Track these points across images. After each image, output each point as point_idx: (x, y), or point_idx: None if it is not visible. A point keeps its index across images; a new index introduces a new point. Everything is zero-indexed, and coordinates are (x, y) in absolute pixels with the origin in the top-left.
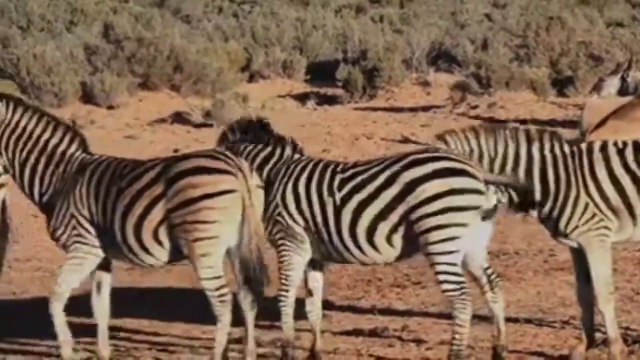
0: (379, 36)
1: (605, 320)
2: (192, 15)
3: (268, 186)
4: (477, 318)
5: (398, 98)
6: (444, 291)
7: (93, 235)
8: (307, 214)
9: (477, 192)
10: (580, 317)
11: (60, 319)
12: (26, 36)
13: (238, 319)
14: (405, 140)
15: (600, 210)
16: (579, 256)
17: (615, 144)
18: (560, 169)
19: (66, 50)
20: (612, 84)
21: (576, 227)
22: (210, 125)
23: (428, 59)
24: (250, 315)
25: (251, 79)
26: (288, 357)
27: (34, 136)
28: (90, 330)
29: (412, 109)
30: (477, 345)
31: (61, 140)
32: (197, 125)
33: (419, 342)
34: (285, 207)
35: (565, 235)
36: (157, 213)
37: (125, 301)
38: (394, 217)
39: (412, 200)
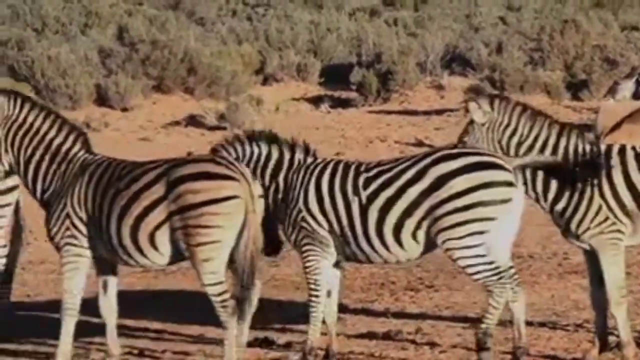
0: (393, 39)
1: (617, 323)
2: (206, 18)
3: (286, 192)
4: None
5: (412, 101)
6: (478, 280)
7: (86, 236)
8: (332, 216)
9: (508, 184)
10: (593, 321)
11: (67, 332)
12: (41, 39)
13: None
14: (419, 144)
15: (614, 214)
16: (593, 259)
17: (634, 148)
18: (578, 167)
19: (81, 53)
20: (627, 88)
21: (587, 229)
22: (224, 128)
23: (442, 63)
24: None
25: (265, 82)
26: None
27: (40, 134)
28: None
29: (426, 112)
30: (490, 348)
31: (66, 139)
32: (211, 128)
33: (432, 345)
34: (309, 210)
35: (577, 237)
36: (156, 215)
37: (139, 303)
38: (420, 213)
39: (441, 194)
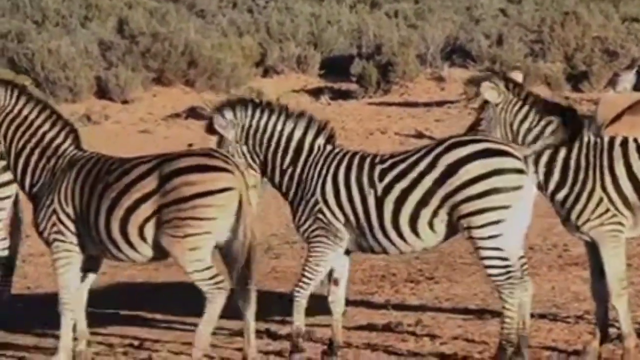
0: (393, 31)
1: (618, 315)
2: (206, 10)
3: (303, 180)
4: (489, 314)
5: (412, 93)
6: (490, 275)
7: (73, 232)
8: (348, 208)
9: (520, 171)
10: (594, 312)
11: (67, 326)
12: (41, 31)
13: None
14: (420, 135)
15: (616, 207)
16: (594, 251)
17: (636, 140)
18: (582, 158)
19: (81, 46)
20: (628, 79)
21: (587, 220)
22: None
23: (442, 54)
24: (250, 313)
25: (265, 74)
26: (298, 349)
27: (34, 127)
28: (105, 322)
29: (427, 104)
30: (491, 340)
31: (58, 134)
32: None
33: (432, 337)
34: (326, 202)
35: (576, 227)
36: (147, 208)
37: (140, 295)
38: (435, 201)
39: (454, 182)
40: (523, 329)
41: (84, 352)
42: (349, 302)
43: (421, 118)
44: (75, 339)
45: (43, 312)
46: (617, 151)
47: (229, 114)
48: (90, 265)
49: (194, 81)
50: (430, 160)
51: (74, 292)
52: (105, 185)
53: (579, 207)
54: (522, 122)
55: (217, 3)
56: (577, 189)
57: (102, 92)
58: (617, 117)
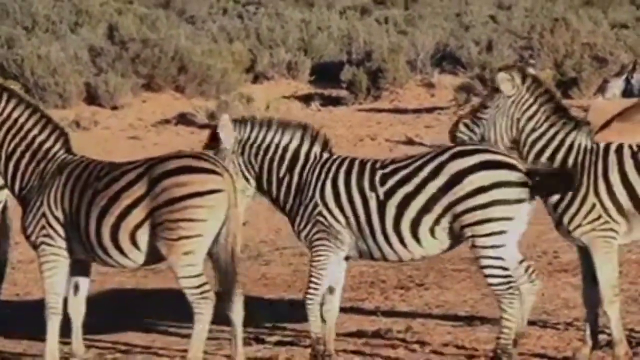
0: (383, 37)
1: (610, 322)
2: (196, 17)
3: (301, 186)
4: (479, 320)
5: (402, 99)
6: (490, 285)
7: (62, 237)
8: (349, 212)
9: (523, 184)
10: (584, 319)
11: (53, 331)
12: (31, 37)
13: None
14: (410, 142)
15: (609, 213)
16: (586, 256)
17: (631, 147)
18: (578, 162)
19: (70, 51)
20: (617, 86)
21: (579, 225)
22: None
23: (432, 61)
24: (237, 319)
25: (255, 80)
26: (318, 355)
27: (24, 130)
28: (94, 328)
29: (417, 111)
30: (481, 347)
31: (48, 137)
32: (202, 127)
33: (422, 343)
34: (326, 205)
35: (568, 232)
36: (138, 214)
37: (130, 302)
38: (438, 209)
39: (458, 191)
40: (519, 327)
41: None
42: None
43: (411, 124)
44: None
45: (32, 319)
46: (612, 157)
47: (225, 123)
48: (79, 272)
49: (184, 87)
50: (434, 167)
51: (60, 296)
52: (96, 190)
53: (571, 211)
54: (528, 120)
55: (208, 9)
56: (570, 193)
57: (92, 98)
58: (607, 124)
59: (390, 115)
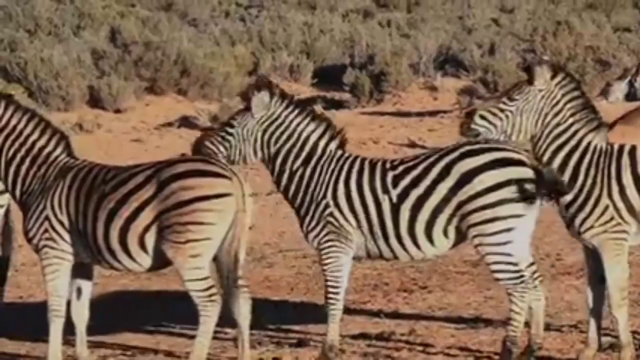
0: (386, 40)
1: (618, 324)
2: (199, 19)
3: (313, 182)
4: (483, 322)
5: (405, 102)
6: (499, 280)
7: (66, 240)
8: (361, 213)
9: (533, 181)
10: (588, 321)
11: (56, 334)
12: (33, 40)
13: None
14: (412, 145)
15: (621, 215)
16: (592, 257)
17: None
18: (592, 164)
19: (73, 55)
20: (620, 89)
21: (591, 227)
22: None
23: (435, 64)
24: (244, 322)
25: None
26: None
27: (23, 136)
28: (97, 331)
29: (419, 114)
30: (484, 349)
31: (48, 142)
32: (204, 130)
33: (426, 346)
34: (337, 206)
35: (579, 233)
36: (147, 216)
37: (133, 305)
38: (450, 209)
39: (468, 191)
40: (537, 335)
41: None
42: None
43: (414, 127)
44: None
45: (35, 321)
46: (625, 159)
47: (266, 97)
48: (82, 275)
49: (187, 90)
50: (443, 167)
51: (64, 299)
52: (103, 193)
53: (584, 213)
54: (555, 115)
55: (210, 12)
56: (584, 194)
57: (95, 101)
58: (610, 127)
59: (393, 118)
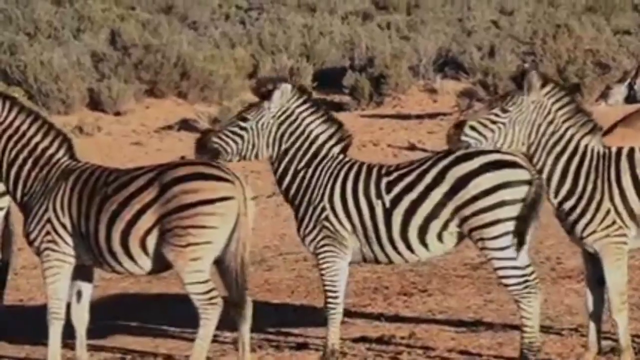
0: (385, 43)
1: (618, 329)
2: (199, 22)
3: (312, 184)
4: (483, 326)
5: (405, 105)
6: (506, 286)
7: (68, 243)
8: (355, 218)
9: (529, 182)
10: (587, 324)
11: (55, 336)
12: (33, 43)
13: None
14: (412, 147)
15: (621, 218)
16: (591, 261)
17: None
18: (592, 168)
19: (73, 57)
20: (620, 92)
21: (594, 231)
22: None
23: (435, 66)
24: (245, 325)
25: None
26: None
27: (26, 137)
28: (98, 334)
29: (419, 116)
30: (484, 353)
31: (51, 144)
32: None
33: (426, 349)
34: (333, 210)
35: (581, 238)
36: (148, 220)
37: (134, 307)
38: (445, 214)
39: (464, 195)
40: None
41: None
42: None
43: (414, 130)
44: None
45: (35, 324)
46: (624, 162)
47: (289, 89)
48: (82, 278)
49: (187, 93)
50: (437, 172)
51: (63, 301)
52: (105, 196)
53: (586, 218)
54: (549, 124)
55: (210, 15)
56: (585, 199)
57: (95, 103)
58: (610, 130)
59: (392, 121)
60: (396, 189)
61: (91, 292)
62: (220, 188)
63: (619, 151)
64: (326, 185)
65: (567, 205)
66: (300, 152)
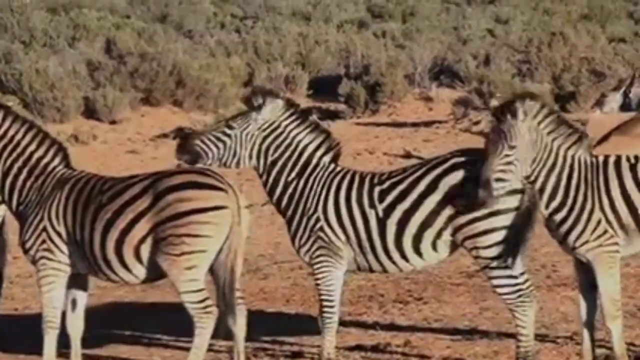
0: (381, 51)
1: (612, 337)
2: (194, 31)
3: (304, 195)
4: (478, 334)
5: (400, 113)
6: (500, 294)
7: (63, 251)
8: (349, 228)
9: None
10: (581, 333)
11: (50, 345)
12: (28, 51)
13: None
14: (408, 155)
15: (612, 227)
16: (584, 270)
17: (628, 159)
18: (581, 178)
19: (69, 66)
20: (615, 100)
21: (587, 241)
22: None
23: (430, 74)
24: (240, 334)
25: None
26: None
27: (21, 146)
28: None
29: (415, 124)
30: None
31: (46, 153)
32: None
33: (421, 357)
34: (327, 221)
35: (574, 248)
36: (142, 228)
37: (129, 316)
38: (439, 223)
39: (457, 204)
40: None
41: None
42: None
43: (409, 138)
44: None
45: (30, 333)
46: (612, 171)
47: (281, 104)
48: (77, 287)
49: (182, 101)
50: (430, 181)
51: (58, 310)
52: (100, 204)
53: (578, 228)
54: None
55: (205, 24)
56: (576, 210)
57: (90, 112)
58: (605, 138)
59: (388, 129)
60: (389, 198)
61: (86, 300)
62: (214, 197)
63: (606, 160)
64: (319, 196)
65: (559, 216)
66: (290, 163)
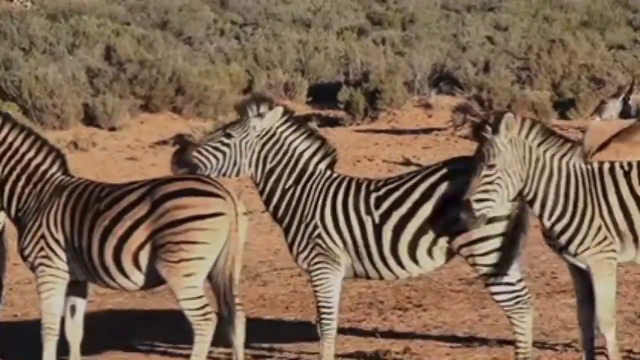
0: (380, 58)
1: (606, 343)
2: (194, 38)
3: (301, 203)
4: (477, 341)
5: (400, 120)
6: (498, 302)
7: (61, 258)
8: (346, 235)
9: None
10: (580, 340)
11: (49, 352)
12: (28, 58)
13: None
14: (407, 162)
15: (610, 233)
16: (581, 277)
17: (622, 165)
18: (579, 186)
19: (68, 73)
20: (614, 107)
21: (588, 248)
22: None
23: (430, 81)
24: (239, 341)
25: None
26: None
27: (19, 153)
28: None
29: (414, 131)
30: None
31: (44, 160)
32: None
33: None
34: (325, 228)
35: (575, 255)
36: (140, 235)
37: (129, 323)
38: (435, 230)
39: (452, 212)
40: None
41: None
42: (336, 330)
43: (409, 145)
44: None
45: (29, 340)
46: (608, 178)
47: (280, 112)
48: (76, 294)
49: (182, 108)
50: (426, 188)
51: (58, 317)
52: (98, 211)
53: (580, 235)
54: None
55: (205, 30)
56: (577, 217)
57: (90, 119)
58: (604, 145)
59: (387, 136)
60: (385, 205)
61: (85, 307)
62: (212, 204)
63: (601, 168)
64: (316, 203)
65: (562, 224)
66: (287, 171)
